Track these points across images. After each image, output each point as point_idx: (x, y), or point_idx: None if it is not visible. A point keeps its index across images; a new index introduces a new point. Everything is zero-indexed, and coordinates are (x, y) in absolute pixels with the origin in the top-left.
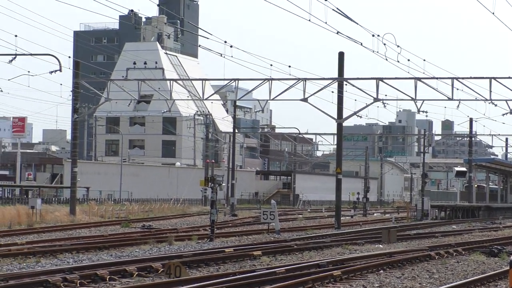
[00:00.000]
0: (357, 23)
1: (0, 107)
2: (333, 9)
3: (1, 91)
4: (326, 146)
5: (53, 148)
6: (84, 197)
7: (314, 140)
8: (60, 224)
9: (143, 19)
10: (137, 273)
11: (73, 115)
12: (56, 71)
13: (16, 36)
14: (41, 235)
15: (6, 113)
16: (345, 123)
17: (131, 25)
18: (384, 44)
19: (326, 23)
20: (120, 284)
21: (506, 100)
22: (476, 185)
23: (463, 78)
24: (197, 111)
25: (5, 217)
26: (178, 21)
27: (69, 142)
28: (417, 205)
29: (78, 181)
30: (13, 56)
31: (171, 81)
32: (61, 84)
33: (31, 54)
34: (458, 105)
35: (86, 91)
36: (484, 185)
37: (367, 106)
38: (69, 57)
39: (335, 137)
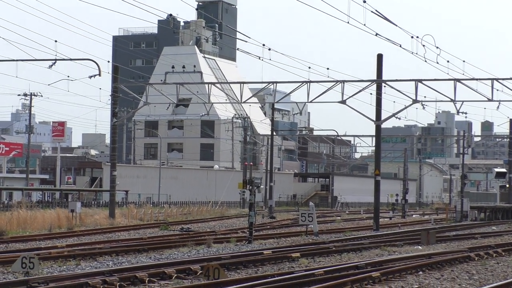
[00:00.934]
0: (396, 25)
1: (40, 112)
2: (371, 11)
3: (41, 96)
4: (365, 148)
5: (93, 152)
6: (123, 200)
7: (352, 142)
8: (100, 227)
9: (182, 23)
10: (176, 275)
11: (112, 119)
12: (95, 75)
13: (56, 41)
14: (81, 238)
15: (46, 117)
16: (383, 125)
17: (169, 29)
18: (423, 45)
19: (364, 25)
20: (159, 286)
21: None
22: (508, 185)
23: (503, 79)
24: (235, 114)
25: (46, 220)
26: (216, 25)
27: (108, 146)
28: (456, 207)
29: (117, 185)
30: (53, 61)
31: (209, 85)
32: (100, 89)
33: (70, 59)
34: (498, 106)
35: (125, 95)
36: None
37: (405, 107)
38: (108, 61)
39: (374, 139)
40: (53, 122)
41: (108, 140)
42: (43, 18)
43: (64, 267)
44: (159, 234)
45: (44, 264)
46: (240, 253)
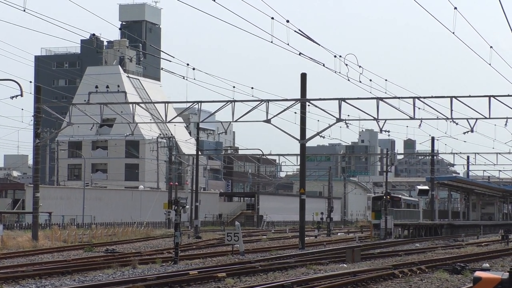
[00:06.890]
0: (319, 44)
1: None
2: (295, 31)
3: None
4: (290, 166)
5: (15, 173)
6: (47, 222)
7: (277, 161)
8: (22, 249)
9: (105, 43)
10: None
11: (34, 140)
12: (17, 96)
13: None
14: (3, 261)
15: None
16: (308, 144)
17: (92, 49)
18: (346, 64)
19: (288, 44)
20: None
21: (467, 119)
22: (389, 196)
23: (424, 98)
24: (160, 134)
25: None
26: (140, 45)
27: (31, 167)
28: (381, 224)
29: (40, 206)
30: None
31: (134, 104)
32: (22, 109)
33: None
34: (420, 124)
35: (48, 116)
36: (400, 196)
37: (329, 126)
38: (30, 82)
39: (298, 157)
40: None
41: (30, 161)
42: None
43: None
44: (83, 256)
45: None
46: (165, 274)
